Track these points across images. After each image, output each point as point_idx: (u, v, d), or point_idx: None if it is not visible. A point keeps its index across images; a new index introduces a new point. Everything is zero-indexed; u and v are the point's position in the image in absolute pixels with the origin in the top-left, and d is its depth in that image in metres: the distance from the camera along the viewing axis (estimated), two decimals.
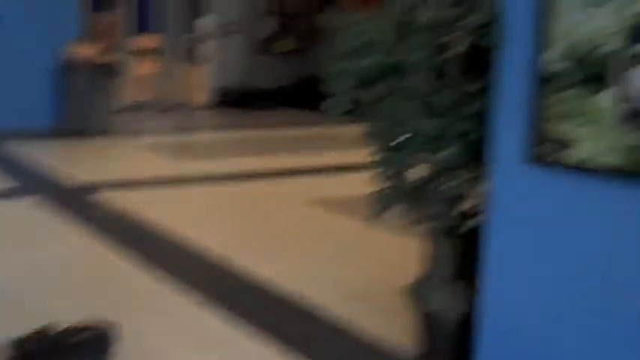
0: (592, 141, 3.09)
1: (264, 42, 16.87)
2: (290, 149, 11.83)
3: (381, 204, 4.00)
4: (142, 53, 16.71)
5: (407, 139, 3.78)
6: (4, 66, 11.30)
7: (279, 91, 16.67)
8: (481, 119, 3.63)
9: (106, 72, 12.58)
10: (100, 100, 12.37)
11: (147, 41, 16.67)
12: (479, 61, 3.64)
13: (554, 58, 3.20)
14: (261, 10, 16.71)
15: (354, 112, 4.00)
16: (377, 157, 4.00)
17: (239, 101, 16.19)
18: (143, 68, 16.61)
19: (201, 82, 17.33)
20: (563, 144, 3.19)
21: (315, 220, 7.51)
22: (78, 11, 12.40)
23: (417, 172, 3.97)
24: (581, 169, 3.16)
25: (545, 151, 3.28)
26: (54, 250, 6.20)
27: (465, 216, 3.91)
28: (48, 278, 5.53)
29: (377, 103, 3.91)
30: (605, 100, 3.03)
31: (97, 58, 12.54)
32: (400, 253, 6.09)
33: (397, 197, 3.96)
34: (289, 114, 15.91)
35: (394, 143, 3.85)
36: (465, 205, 3.91)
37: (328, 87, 3.97)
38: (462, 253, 3.93)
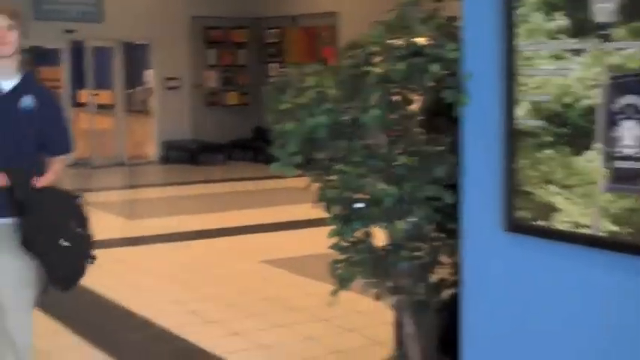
0: (576, 206, 2.73)
1: (211, 95, 16.55)
2: (242, 205, 11.45)
3: (340, 277, 3.58)
4: (88, 107, 16.22)
5: (365, 205, 3.39)
6: None
7: (229, 145, 16.32)
8: (448, 183, 3.25)
9: None
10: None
11: (91, 95, 16.21)
12: (442, 119, 3.27)
13: (526, 114, 2.84)
14: (204, 64, 16.40)
15: (306, 167, 3.59)
16: (332, 225, 3.58)
17: (188, 155, 15.81)
18: (88, 123, 16.13)
19: (150, 136, 16.93)
20: (544, 209, 2.82)
21: (273, 282, 7.09)
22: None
23: (379, 241, 3.57)
24: (564, 237, 2.79)
25: (522, 217, 2.90)
26: None
27: (438, 287, 3.52)
28: None
29: (330, 162, 3.51)
30: (589, 160, 2.67)
31: None
32: (370, 319, 5.72)
33: (358, 269, 3.55)
34: (239, 167, 15.55)
35: (350, 210, 3.44)
36: (435, 276, 3.51)
37: (275, 146, 3.56)
38: (438, 326, 3.53)
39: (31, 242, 3.88)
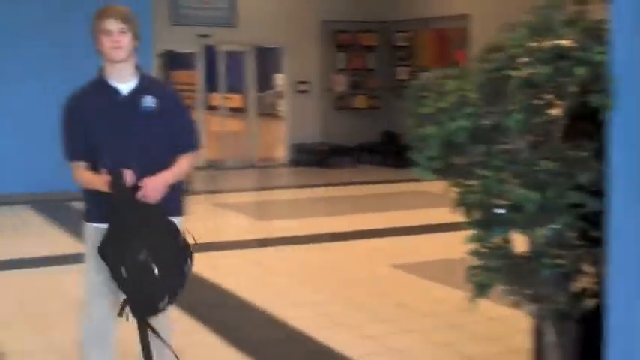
0: None
1: (340, 99, 16.63)
2: (370, 208, 11.44)
3: (478, 283, 3.53)
4: (219, 110, 16.56)
5: (505, 211, 3.33)
6: None
7: (357, 148, 16.37)
8: (593, 190, 3.15)
9: None
10: None
11: (223, 99, 16.56)
12: (586, 124, 3.18)
13: None
14: (334, 68, 16.50)
15: (445, 173, 3.55)
16: (471, 230, 3.54)
17: (317, 158, 15.95)
18: (219, 125, 16.48)
19: (280, 139, 17.17)
20: None
21: (404, 286, 7.05)
22: (152, 68, 12.34)
23: (519, 247, 3.51)
24: None
25: None
26: None
27: (579, 297, 3.42)
28: None
29: (470, 167, 3.47)
30: None
31: None
32: (504, 326, 5.64)
33: (496, 276, 3.49)
34: (368, 171, 15.57)
35: (490, 216, 3.39)
36: (577, 285, 3.42)
37: (415, 151, 3.54)
38: (581, 337, 3.43)
39: (102, 251, 3.83)
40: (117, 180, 3.76)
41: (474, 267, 3.58)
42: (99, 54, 3.92)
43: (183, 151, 4.02)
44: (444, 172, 3.44)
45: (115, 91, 3.93)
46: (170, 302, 3.87)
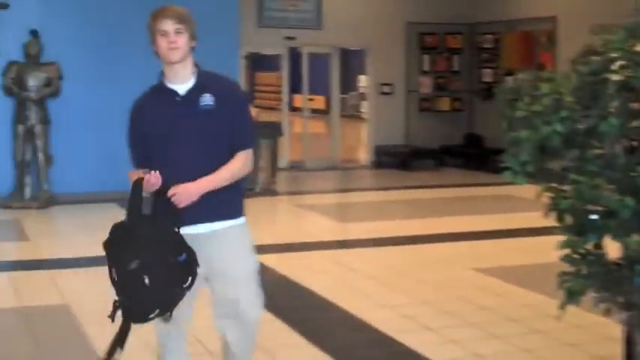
0: None
1: (424, 101, 16.56)
2: (452, 211, 11.36)
3: (569, 290, 3.48)
4: (304, 112, 16.65)
5: (599, 217, 3.27)
6: None
7: (440, 151, 16.28)
8: None
9: (268, 131, 12.56)
10: (264, 160, 12.35)
11: (308, 100, 16.64)
12: None
13: None
14: (418, 70, 16.44)
15: (537, 177, 3.50)
16: (564, 236, 3.49)
17: (399, 160, 15.91)
18: (304, 127, 16.57)
19: (362, 141, 17.18)
20: None
21: (487, 291, 6.98)
22: (238, 70, 12.49)
23: (612, 254, 3.44)
24: None
25: None
26: None
27: None
28: None
29: (563, 172, 3.42)
30: None
31: (259, 116, 12.52)
32: (591, 334, 5.55)
33: (588, 283, 3.43)
34: (451, 174, 15.47)
35: (583, 222, 3.34)
36: None
37: (507, 154, 3.50)
38: None
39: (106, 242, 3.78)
40: (136, 185, 3.71)
41: (566, 273, 3.53)
42: (155, 55, 3.86)
43: (235, 150, 3.86)
44: (536, 176, 3.39)
45: (173, 93, 3.84)
46: (161, 315, 3.73)
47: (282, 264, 7.76)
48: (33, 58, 11.39)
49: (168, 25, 3.76)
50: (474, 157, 15.89)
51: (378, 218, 10.84)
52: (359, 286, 7.22)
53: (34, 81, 11.29)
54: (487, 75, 16.15)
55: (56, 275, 7.45)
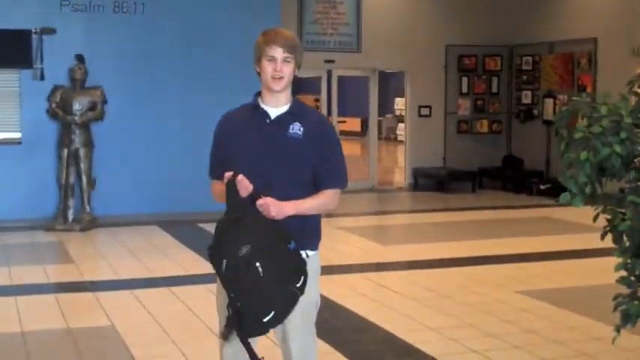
0: None
1: (462, 123, 16.54)
2: (492, 234, 11.30)
3: (625, 313, 3.46)
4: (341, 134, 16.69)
5: None
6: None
7: (478, 173, 16.23)
8: None
9: None
10: None
11: (344, 123, 16.68)
12: None
13: None
14: (457, 92, 16.43)
15: (594, 199, 3.45)
16: (620, 258, 3.47)
17: (436, 182, 15.88)
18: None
19: (399, 163, 17.17)
20: None
21: (531, 313, 6.93)
22: None
23: None
24: None
25: None
26: None
27: None
28: None
29: (622, 194, 3.40)
30: None
31: None
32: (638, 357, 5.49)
33: None
34: (489, 196, 15.41)
35: None
36: None
37: (565, 176, 3.47)
38: None
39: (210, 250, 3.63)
40: (230, 183, 3.62)
41: (621, 296, 3.51)
42: (257, 75, 3.82)
43: (324, 187, 3.80)
44: (594, 198, 3.37)
45: (265, 115, 3.81)
46: (277, 323, 3.58)
47: (323, 286, 7.72)
48: (78, 82, 11.56)
49: (278, 53, 3.71)
50: (512, 179, 15.83)
51: (417, 240, 10.82)
52: (401, 308, 7.20)
53: (78, 105, 11.45)
54: (526, 97, 16.09)
55: (101, 297, 7.51)
